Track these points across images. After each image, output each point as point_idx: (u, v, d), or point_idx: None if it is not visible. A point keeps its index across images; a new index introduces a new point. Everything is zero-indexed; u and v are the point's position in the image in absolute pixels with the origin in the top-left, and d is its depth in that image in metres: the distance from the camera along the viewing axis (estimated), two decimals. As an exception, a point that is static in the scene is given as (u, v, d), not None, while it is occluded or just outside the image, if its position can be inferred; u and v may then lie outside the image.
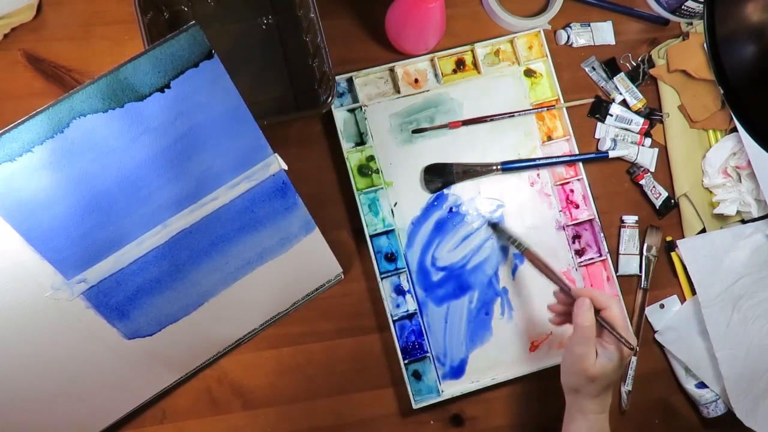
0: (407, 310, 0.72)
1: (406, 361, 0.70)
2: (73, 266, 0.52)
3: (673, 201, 0.79)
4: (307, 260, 0.66)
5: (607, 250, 0.75)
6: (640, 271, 0.77)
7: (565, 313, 0.66)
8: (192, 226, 0.56)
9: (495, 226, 0.73)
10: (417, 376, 0.72)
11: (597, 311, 0.61)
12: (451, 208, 0.75)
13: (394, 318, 0.71)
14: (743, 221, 0.79)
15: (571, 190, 0.77)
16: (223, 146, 0.53)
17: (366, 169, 0.73)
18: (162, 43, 0.46)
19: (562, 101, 0.77)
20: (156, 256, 0.55)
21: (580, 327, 0.61)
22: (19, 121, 0.44)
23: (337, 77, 0.72)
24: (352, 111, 0.74)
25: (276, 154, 0.56)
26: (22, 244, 0.50)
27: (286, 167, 0.57)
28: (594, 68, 0.79)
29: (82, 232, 0.51)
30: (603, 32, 0.80)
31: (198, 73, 0.48)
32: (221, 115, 0.51)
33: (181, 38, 0.46)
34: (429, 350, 0.72)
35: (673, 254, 0.79)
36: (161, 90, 0.47)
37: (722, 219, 0.79)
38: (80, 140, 0.46)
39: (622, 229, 0.78)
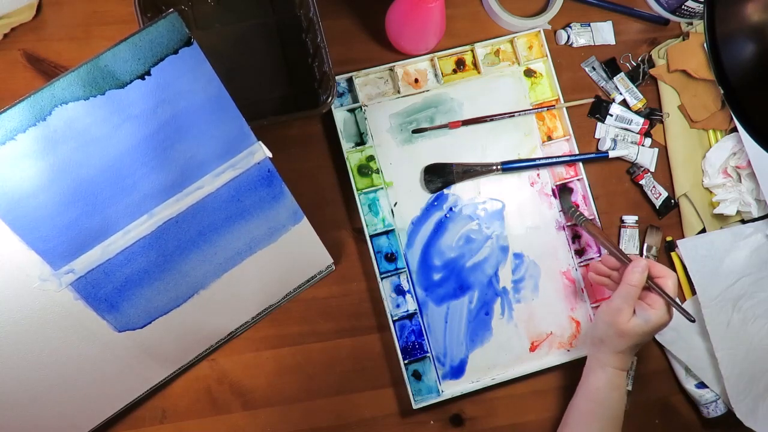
0: (407, 310, 0.72)
1: (406, 361, 0.70)
2: (60, 256, 0.52)
3: (673, 201, 0.79)
4: (297, 251, 0.66)
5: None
6: (640, 271, 0.77)
7: (605, 275, 0.70)
8: (178, 216, 0.56)
9: (563, 190, 0.76)
10: (417, 376, 0.72)
11: (652, 278, 0.64)
12: (451, 208, 0.75)
13: (394, 318, 0.71)
14: (743, 221, 0.79)
15: (571, 190, 0.77)
16: (206, 134, 0.53)
17: (366, 169, 0.73)
18: (141, 30, 0.46)
19: (562, 101, 0.77)
20: (143, 246, 0.55)
21: (626, 284, 0.63)
22: (2, 109, 0.45)
23: (337, 77, 0.72)
24: (352, 111, 0.74)
25: (260, 142, 0.56)
26: (9, 234, 0.50)
27: (270, 155, 0.57)
28: (594, 68, 0.79)
29: (67, 222, 0.51)
30: (603, 32, 0.80)
31: (178, 59, 0.48)
32: (203, 103, 0.51)
33: (160, 25, 0.46)
34: (429, 350, 0.72)
35: (673, 254, 0.79)
36: (142, 77, 0.48)
37: (722, 219, 0.79)
38: (63, 128, 0.47)
39: (622, 229, 0.78)
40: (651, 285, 0.64)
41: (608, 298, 0.71)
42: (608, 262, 0.70)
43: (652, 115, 0.79)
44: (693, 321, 0.62)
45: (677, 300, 0.63)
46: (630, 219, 0.78)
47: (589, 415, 0.67)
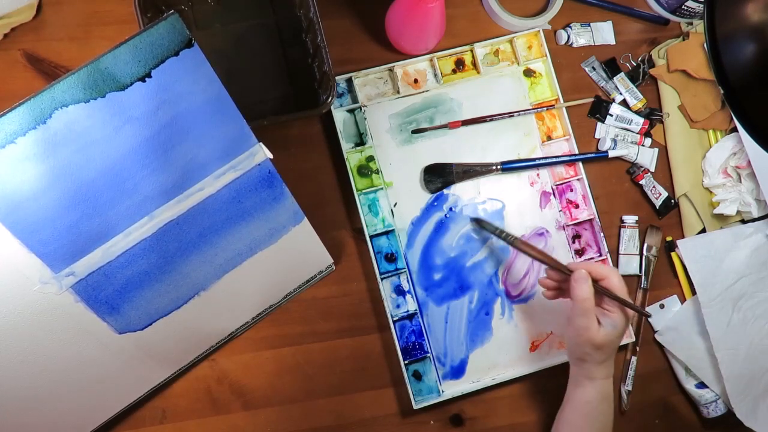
0: (407, 311, 0.72)
1: (406, 362, 0.70)
2: (60, 259, 0.52)
3: (673, 201, 0.79)
4: (298, 251, 0.66)
5: (607, 249, 0.75)
6: (640, 271, 0.77)
7: (558, 288, 0.68)
8: (179, 218, 0.56)
9: (478, 221, 0.74)
10: (417, 376, 0.72)
11: (596, 282, 0.63)
12: (451, 208, 0.75)
13: (395, 318, 0.71)
14: (743, 221, 0.79)
15: (571, 190, 0.77)
16: (207, 136, 0.53)
17: (366, 170, 0.73)
18: (141, 32, 0.46)
19: (561, 101, 0.77)
20: (144, 249, 0.55)
21: (578, 300, 0.62)
22: (2, 112, 0.45)
23: (336, 77, 0.72)
24: (351, 111, 0.74)
25: (261, 143, 0.56)
26: (9, 237, 0.50)
27: (271, 156, 0.57)
28: (594, 68, 0.79)
29: (68, 225, 0.51)
30: (603, 32, 0.80)
31: (178, 61, 0.48)
32: (204, 105, 0.51)
33: (160, 27, 0.46)
34: (429, 350, 0.72)
35: (673, 254, 0.79)
36: (142, 79, 0.47)
37: (722, 219, 0.79)
38: (63, 131, 0.47)
39: (622, 229, 0.78)
40: (600, 290, 0.63)
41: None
42: (552, 275, 0.68)
43: (652, 115, 0.79)
44: (649, 316, 0.61)
45: (628, 297, 0.62)
46: (630, 219, 0.78)
47: (581, 429, 0.66)
